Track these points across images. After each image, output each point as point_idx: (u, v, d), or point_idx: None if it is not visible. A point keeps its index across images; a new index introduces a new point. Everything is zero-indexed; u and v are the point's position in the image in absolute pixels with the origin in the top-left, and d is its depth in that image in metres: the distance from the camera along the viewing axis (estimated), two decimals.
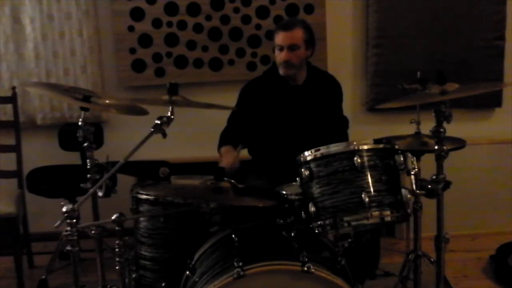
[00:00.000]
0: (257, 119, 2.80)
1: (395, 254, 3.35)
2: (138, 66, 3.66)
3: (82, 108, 2.30)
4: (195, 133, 3.67)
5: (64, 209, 1.85)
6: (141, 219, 2.30)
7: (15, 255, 3.03)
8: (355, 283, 2.04)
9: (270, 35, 3.44)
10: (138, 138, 1.89)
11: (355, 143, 1.97)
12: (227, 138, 2.80)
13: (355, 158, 1.93)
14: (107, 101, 2.39)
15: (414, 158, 2.26)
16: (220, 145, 2.79)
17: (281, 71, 2.73)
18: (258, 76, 2.97)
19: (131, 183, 2.48)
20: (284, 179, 2.32)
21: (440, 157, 2.15)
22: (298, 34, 2.68)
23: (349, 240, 2.12)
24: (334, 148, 1.98)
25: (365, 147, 1.97)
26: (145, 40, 3.63)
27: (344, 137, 2.89)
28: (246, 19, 3.66)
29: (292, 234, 2.00)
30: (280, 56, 2.69)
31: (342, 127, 2.93)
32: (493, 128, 3.86)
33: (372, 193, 1.92)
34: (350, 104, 3.74)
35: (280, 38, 2.69)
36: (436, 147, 2.15)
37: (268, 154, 2.82)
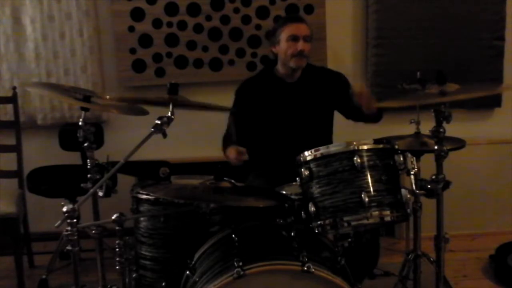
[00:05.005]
0: (254, 118, 2.80)
1: (395, 254, 3.35)
2: (138, 66, 3.66)
3: (83, 108, 2.30)
4: (195, 133, 3.68)
5: (64, 209, 1.85)
6: (141, 219, 2.30)
7: (16, 255, 3.03)
8: (354, 282, 2.04)
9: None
10: (138, 138, 1.89)
11: (355, 143, 1.97)
12: (230, 140, 2.78)
13: (355, 158, 1.93)
14: (107, 97, 2.40)
15: (414, 158, 2.27)
16: (224, 147, 2.76)
17: (294, 63, 2.71)
18: (251, 76, 2.97)
19: (131, 183, 2.48)
20: (284, 179, 2.33)
21: (440, 157, 2.16)
22: (307, 28, 2.74)
23: (349, 240, 2.12)
24: (334, 148, 1.98)
25: (365, 147, 1.97)
26: (145, 40, 3.63)
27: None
28: (246, 19, 3.66)
29: (292, 234, 2.00)
30: (294, 47, 2.68)
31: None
32: (493, 128, 3.87)
33: (372, 193, 1.92)
34: None
35: (293, 29, 2.70)
36: (436, 147, 2.15)
37: (267, 154, 2.82)
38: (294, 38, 2.69)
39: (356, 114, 2.69)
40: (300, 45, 2.68)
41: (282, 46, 2.72)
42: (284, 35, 2.71)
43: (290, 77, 2.81)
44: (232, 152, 2.55)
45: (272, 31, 2.81)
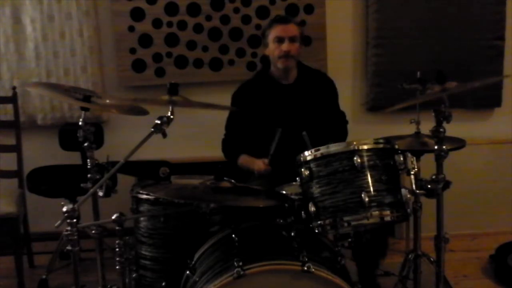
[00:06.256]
0: (252, 121, 2.81)
1: (395, 254, 3.34)
2: (138, 66, 3.66)
3: (83, 108, 2.30)
4: (195, 133, 3.67)
5: (64, 209, 1.85)
6: (141, 219, 2.30)
7: (16, 255, 3.03)
8: (355, 283, 2.04)
9: None
10: (138, 138, 1.89)
11: (355, 143, 1.97)
12: (235, 146, 2.86)
13: (355, 158, 1.93)
14: (107, 101, 2.39)
15: (414, 158, 2.26)
16: (233, 155, 2.84)
17: (281, 64, 2.74)
18: (248, 79, 2.98)
19: (131, 183, 2.48)
20: (284, 179, 2.33)
21: (440, 157, 2.15)
22: (295, 28, 2.75)
23: (349, 240, 2.12)
24: (334, 148, 1.98)
25: (365, 147, 1.97)
26: (145, 40, 3.63)
27: (343, 132, 2.92)
28: (246, 19, 3.66)
29: (292, 234, 2.00)
30: (280, 48, 2.71)
31: (341, 122, 2.96)
32: (493, 128, 3.86)
33: (372, 193, 1.92)
34: (350, 104, 3.74)
35: (279, 30, 2.72)
36: (436, 147, 2.15)
37: (266, 155, 2.82)
38: (279, 40, 2.71)
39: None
40: (285, 46, 2.70)
41: (270, 47, 2.76)
42: (271, 36, 2.75)
43: (285, 79, 2.83)
44: (261, 165, 2.62)
45: (262, 33, 2.85)
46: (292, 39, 2.71)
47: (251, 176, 2.79)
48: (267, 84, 2.83)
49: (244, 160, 2.80)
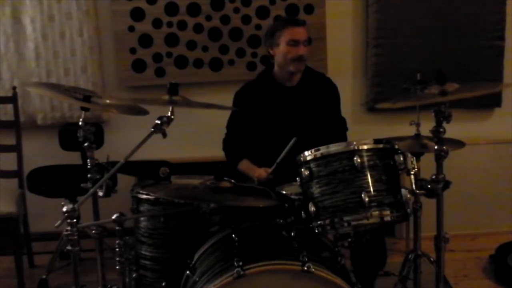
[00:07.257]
0: (254, 122, 2.81)
1: (395, 254, 3.35)
2: (138, 66, 3.66)
3: (83, 108, 2.30)
4: (195, 133, 3.68)
5: (64, 209, 1.86)
6: (141, 219, 2.30)
7: (16, 255, 3.03)
8: (355, 283, 2.04)
9: None
10: (138, 138, 1.89)
11: (355, 143, 1.97)
12: (236, 149, 2.84)
13: (355, 158, 1.93)
14: (107, 101, 2.39)
15: (414, 158, 2.26)
16: (234, 158, 2.82)
17: (294, 67, 2.72)
18: (251, 79, 2.97)
19: (131, 183, 2.48)
20: (284, 179, 2.33)
21: (440, 157, 2.15)
22: (305, 31, 2.74)
23: (349, 240, 2.12)
24: (334, 148, 1.98)
25: (365, 147, 1.97)
26: (145, 40, 3.63)
27: (342, 139, 2.91)
28: (246, 19, 3.66)
29: (292, 234, 2.00)
30: (295, 51, 2.68)
31: (341, 128, 2.94)
32: (493, 128, 3.87)
33: (372, 193, 1.92)
34: (350, 104, 3.75)
35: (294, 33, 2.68)
36: (436, 147, 2.15)
37: (267, 157, 2.82)
38: (294, 43, 2.68)
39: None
40: (301, 50, 2.68)
41: (282, 49, 2.71)
42: (284, 38, 2.69)
43: (289, 81, 2.81)
44: (262, 173, 2.59)
45: (270, 32, 2.78)
46: (304, 43, 2.70)
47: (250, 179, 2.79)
48: (270, 86, 2.82)
49: (245, 166, 2.77)
